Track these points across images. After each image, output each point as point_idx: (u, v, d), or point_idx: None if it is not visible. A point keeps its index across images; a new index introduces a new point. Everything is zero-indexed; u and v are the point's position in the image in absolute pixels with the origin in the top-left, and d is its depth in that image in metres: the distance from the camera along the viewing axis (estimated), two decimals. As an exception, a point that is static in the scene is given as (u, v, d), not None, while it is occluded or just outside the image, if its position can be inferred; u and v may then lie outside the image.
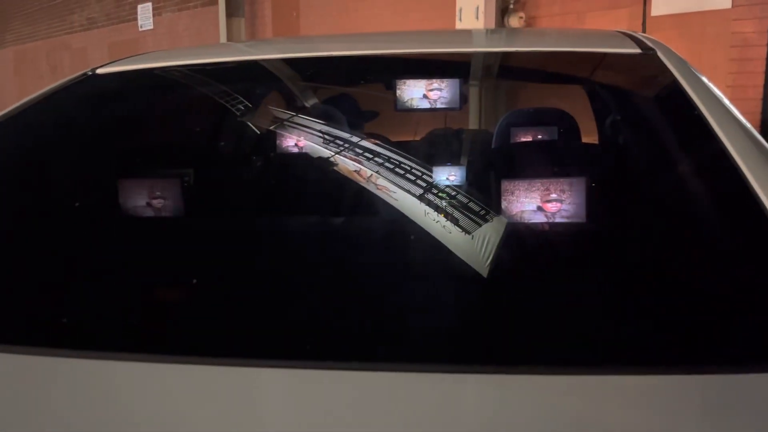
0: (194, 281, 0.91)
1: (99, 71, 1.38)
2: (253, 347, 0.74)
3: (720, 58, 3.99)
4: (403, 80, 1.24)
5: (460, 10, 4.83)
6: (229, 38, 7.19)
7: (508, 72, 1.40)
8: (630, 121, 1.15)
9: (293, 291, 0.87)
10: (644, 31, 4.24)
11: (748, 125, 0.96)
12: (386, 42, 1.58)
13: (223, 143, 1.38)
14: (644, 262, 0.86)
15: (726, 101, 1.03)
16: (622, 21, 4.49)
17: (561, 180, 0.96)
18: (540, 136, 1.27)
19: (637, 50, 1.19)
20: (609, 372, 0.65)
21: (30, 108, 1.25)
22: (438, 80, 1.23)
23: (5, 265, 0.95)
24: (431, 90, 1.23)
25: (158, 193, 1.09)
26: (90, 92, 1.34)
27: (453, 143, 1.37)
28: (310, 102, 1.51)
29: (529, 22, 4.97)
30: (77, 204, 1.13)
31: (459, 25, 4.86)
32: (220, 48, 1.71)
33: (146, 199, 1.09)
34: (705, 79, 1.10)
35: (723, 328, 0.72)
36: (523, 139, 1.28)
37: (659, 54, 1.16)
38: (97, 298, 0.88)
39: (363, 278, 0.90)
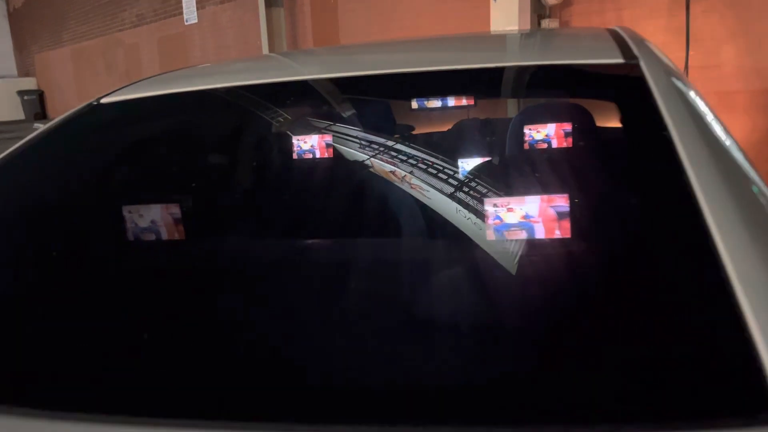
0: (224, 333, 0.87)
1: (103, 101, 1.43)
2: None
3: (769, 27, 3.77)
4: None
5: (495, -10, 4.72)
6: (270, 28, 7.27)
7: (483, 88, 1.33)
8: (595, 142, 1.10)
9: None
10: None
11: (731, 149, 0.89)
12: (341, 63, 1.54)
13: (217, 169, 1.41)
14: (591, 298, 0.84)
15: (709, 122, 0.94)
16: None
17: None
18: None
19: (620, 60, 1.11)
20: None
21: (37, 142, 1.31)
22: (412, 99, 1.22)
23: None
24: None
25: (152, 228, 1.13)
26: (92, 123, 1.40)
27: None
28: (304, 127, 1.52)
29: (567, -2, 4.81)
30: (81, 240, 1.18)
31: (494, 7, 4.75)
32: (222, 67, 1.73)
33: (141, 232, 1.13)
34: (691, 94, 1.02)
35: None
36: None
37: (642, 64, 1.08)
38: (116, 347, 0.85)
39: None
